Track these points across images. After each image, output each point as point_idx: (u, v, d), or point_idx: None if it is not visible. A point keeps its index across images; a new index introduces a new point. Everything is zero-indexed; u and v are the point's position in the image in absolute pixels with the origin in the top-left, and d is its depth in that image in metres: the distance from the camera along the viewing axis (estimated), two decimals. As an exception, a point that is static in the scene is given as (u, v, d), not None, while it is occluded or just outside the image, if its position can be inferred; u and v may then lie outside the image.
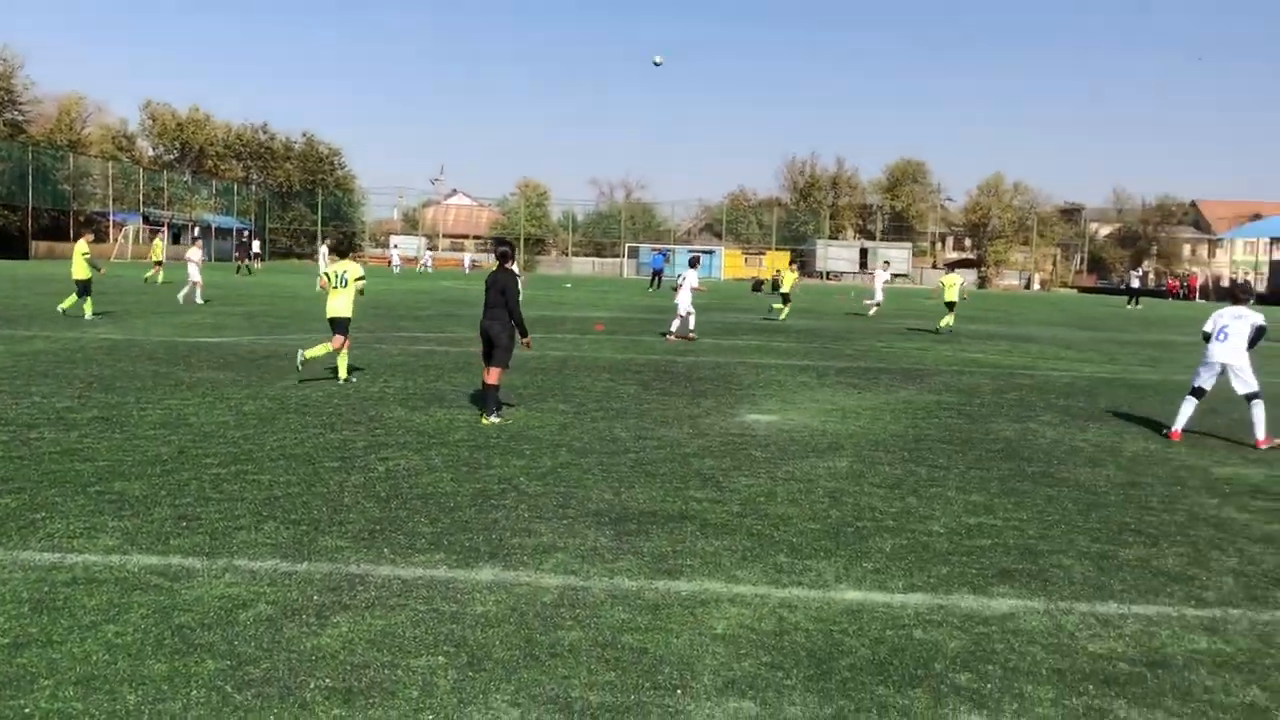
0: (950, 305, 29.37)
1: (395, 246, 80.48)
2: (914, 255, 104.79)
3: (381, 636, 5.13)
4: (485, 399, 11.43)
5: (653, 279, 59.81)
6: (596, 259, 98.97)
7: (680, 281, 23.72)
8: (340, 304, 13.86)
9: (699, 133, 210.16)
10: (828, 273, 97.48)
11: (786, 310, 31.97)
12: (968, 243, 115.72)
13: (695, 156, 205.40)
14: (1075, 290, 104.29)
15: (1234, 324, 11.87)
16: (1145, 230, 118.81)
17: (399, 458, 9.27)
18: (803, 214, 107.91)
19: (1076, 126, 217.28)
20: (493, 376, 11.40)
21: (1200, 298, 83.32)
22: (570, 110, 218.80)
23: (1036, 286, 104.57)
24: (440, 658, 4.90)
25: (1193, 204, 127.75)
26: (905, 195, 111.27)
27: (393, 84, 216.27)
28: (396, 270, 69.88)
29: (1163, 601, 6.08)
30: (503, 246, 11.86)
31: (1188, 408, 12.04)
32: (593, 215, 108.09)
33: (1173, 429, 12.06)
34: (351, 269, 14.13)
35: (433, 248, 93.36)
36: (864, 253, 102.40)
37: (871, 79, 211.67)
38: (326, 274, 14.18)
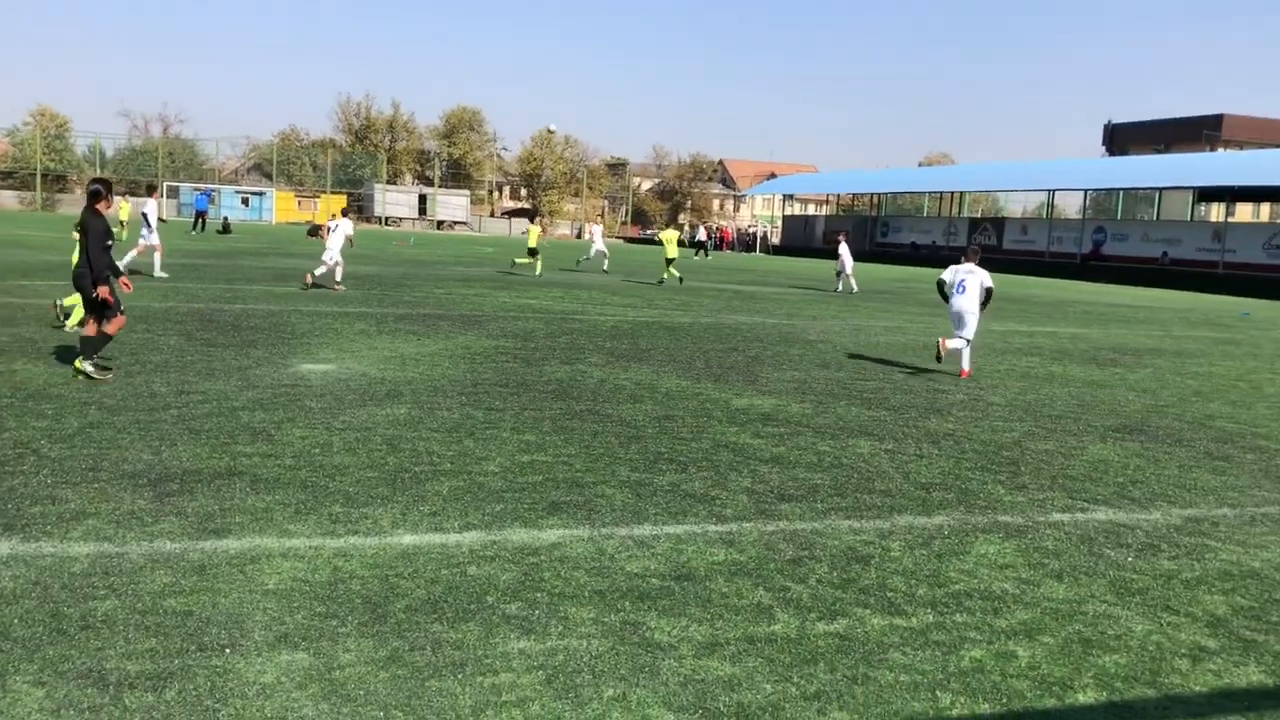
0: (670, 261, 32.02)
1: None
2: (472, 203, 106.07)
3: None
4: (94, 345, 10.61)
5: (196, 221, 55.72)
6: (131, 198, 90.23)
7: (333, 227, 23.45)
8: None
9: (245, 66, 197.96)
10: (386, 218, 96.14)
11: (539, 264, 33.31)
12: (524, 192, 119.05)
13: (242, 91, 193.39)
14: (622, 240, 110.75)
15: (969, 279, 14.29)
16: (681, 185, 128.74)
17: (-116, 424, 8.02)
18: (359, 157, 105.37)
19: (619, 84, 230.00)
20: (91, 328, 10.59)
21: (728, 249, 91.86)
22: (94, 32, 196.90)
23: (587, 236, 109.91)
24: (-56, 645, 4.36)
25: (720, 163, 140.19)
26: (463, 143, 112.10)
27: None
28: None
29: (690, 521, 6.75)
30: (94, 185, 10.72)
31: (966, 352, 14.40)
32: (125, 151, 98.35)
33: (962, 369, 14.44)
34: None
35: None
36: (423, 199, 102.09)
37: (427, 20, 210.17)
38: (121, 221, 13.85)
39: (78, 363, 10.50)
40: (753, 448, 9.07)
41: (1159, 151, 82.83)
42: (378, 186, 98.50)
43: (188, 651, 4.43)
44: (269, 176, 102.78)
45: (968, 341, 14.34)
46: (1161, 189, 68.30)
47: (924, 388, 13.19)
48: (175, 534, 5.91)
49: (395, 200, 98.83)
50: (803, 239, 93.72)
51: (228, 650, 4.47)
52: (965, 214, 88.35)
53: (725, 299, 27.63)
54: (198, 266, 27.48)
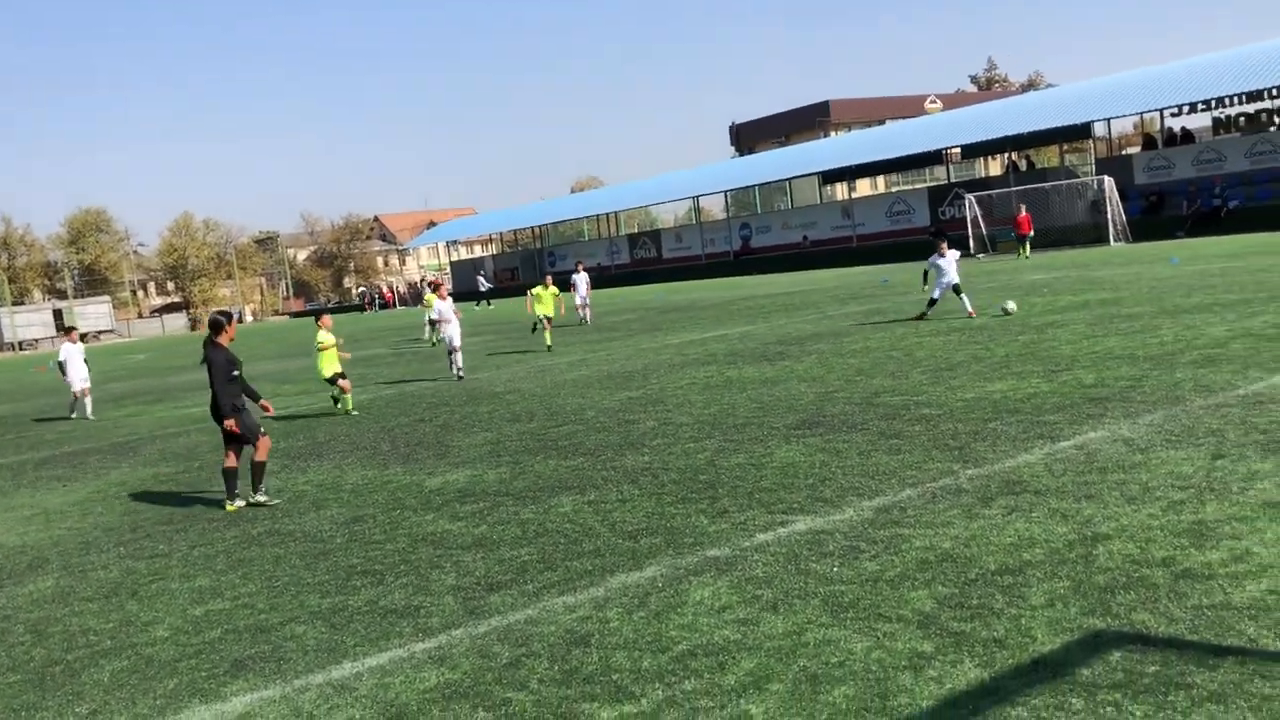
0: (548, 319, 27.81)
1: None
2: (116, 308, 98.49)
3: None
4: (252, 478, 10.67)
5: None
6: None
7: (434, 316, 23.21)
8: (331, 363, 17.21)
9: None
10: (20, 343, 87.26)
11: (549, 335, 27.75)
12: (171, 286, 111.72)
13: None
14: (287, 316, 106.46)
15: (950, 254, 20.81)
16: (339, 249, 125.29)
17: None
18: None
19: (257, 155, 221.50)
20: (260, 453, 10.55)
21: (400, 305, 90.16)
22: None
23: (249, 319, 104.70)
24: None
25: (376, 219, 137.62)
26: (93, 247, 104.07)
27: None
28: None
29: (394, 644, 6.17)
30: (215, 316, 10.91)
31: (964, 299, 20.45)
32: None
33: (969, 311, 20.17)
34: (326, 338, 17.29)
35: None
36: (58, 314, 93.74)
37: (29, 119, 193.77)
38: (320, 342, 17.31)
39: (251, 498, 10.59)
40: (453, 534, 8.58)
41: (781, 144, 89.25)
42: (3, 310, 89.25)
43: None
44: None
45: (958, 287, 20.66)
46: (790, 179, 73.46)
47: (614, 422, 13.16)
48: None
49: (26, 321, 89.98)
50: (474, 282, 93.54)
51: None
52: (623, 232, 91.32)
53: (404, 362, 26.82)
54: None
